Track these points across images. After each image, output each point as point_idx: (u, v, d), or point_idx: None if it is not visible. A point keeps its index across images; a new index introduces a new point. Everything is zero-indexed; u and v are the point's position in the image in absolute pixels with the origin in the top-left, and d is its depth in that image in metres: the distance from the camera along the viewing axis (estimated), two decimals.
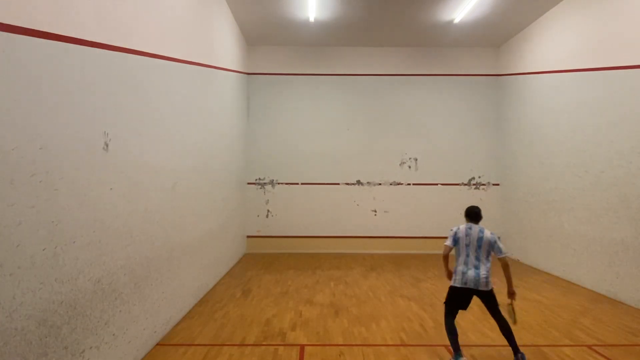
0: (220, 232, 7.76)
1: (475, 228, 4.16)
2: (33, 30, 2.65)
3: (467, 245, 4.11)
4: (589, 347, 4.62)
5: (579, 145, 7.52)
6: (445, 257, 4.27)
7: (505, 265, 4.09)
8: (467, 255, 4.10)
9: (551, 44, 8.53)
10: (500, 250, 4.06)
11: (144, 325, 4.28)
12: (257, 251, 10.56)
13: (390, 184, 10.87)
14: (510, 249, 10.13)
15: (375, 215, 10.84)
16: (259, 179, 10.84)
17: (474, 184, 10.86)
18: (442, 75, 10.94)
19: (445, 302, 4.24)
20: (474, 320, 5.46)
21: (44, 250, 2.72)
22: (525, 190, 9.44)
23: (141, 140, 4.23)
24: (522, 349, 4.00)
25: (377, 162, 10.87)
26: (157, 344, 4.59)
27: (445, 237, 4.33)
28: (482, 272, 4.02)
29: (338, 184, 10.86)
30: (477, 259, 4.07)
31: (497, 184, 10.80)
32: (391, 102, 10.94)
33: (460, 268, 4.10)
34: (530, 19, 9.06)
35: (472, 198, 10.75)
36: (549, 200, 8.42)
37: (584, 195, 7.34)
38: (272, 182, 10.84)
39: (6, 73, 2.44)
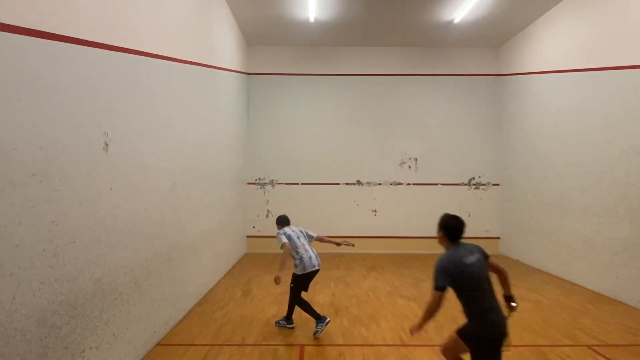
0: (220, 232, 7.76)
1: (295, 227, 5.35)
2: (33, 30, 2.65)
3: (298, 238, 5.17)
4: (589, 347, 4.62)
5: (579, 145, 7.52)
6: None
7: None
8: (304, 245, 5.15)
9: (551, 44, 8.53)
10: (312, 237, 5.36)
11: (144, 325, 4.28)
12: (257, 251, 10.56)
13: (390, 184, 10.87)
14: (510, 249, 10.15)
15: (375, 215, 10.84)
16: (259, 179, 10.84)
17: (474, 184, 10.86)
18: (442, 75, 10.93)
19: (297, 288, 5.07)
20: None
21: (44, 250, 2.72)
22: (525, 190, 9.44)
23: (141, 140, 4.23)
24: (522, 349, 3.99)
25: (377, 162, 10.86)
26: (157, 344, 4.59)
27: None
28: (315, 253, 5.19)
29: (338, 184, 10.86)
30: (309, 245, 5.22)
31: (497, 184, 10.80)
32: (391, 102, 10.93)
33: (306, 255, 5.06)
34: (530, 19, 9.06)
35: (472, 198, 10.76)
36: (549, 200, 8.42)
37: (584, 195, 7.34)
38: (272, 182, 10.84)
39: (6, 73, 2.44)
